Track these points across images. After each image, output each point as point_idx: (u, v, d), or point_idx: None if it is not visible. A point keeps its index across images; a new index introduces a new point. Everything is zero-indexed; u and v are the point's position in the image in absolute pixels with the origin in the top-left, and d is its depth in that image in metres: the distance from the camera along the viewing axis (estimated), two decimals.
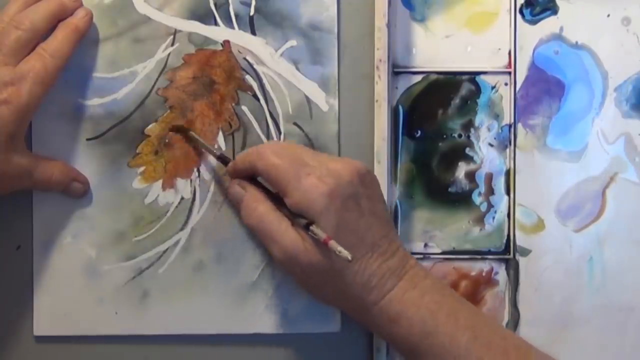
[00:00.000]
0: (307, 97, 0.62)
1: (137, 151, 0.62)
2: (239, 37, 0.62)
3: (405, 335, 0.55)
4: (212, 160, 0.62)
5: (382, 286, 0.55)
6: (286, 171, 0.55)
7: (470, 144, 0.63)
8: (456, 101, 0.63)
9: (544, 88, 0.63)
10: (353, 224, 0.55)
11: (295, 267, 0.55)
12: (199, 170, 0.62)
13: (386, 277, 0.55)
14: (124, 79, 0.62)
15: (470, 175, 0.63)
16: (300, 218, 0.54)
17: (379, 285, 0.55)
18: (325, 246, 0.52)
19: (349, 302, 0.56)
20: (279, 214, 0.56)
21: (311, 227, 0.53)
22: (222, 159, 0.60)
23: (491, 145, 0.63)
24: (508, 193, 0.63)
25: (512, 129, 0.63)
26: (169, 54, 0.62)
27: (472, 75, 0.63)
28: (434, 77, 0.63)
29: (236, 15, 0.62)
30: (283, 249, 0.55)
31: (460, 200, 0.63)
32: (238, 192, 0.58)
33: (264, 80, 0.62)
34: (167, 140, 0.62)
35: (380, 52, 0.61)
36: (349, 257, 0.51)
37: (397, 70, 0.63)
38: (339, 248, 0.51)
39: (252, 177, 0.58)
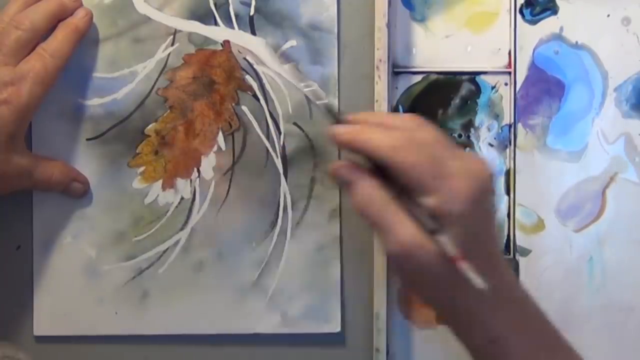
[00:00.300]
0: (307, 97, 0.62)
1: (137, 151, 0.62)
2: (239, 37, 0.62)
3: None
4: (212, 160, 0.62)
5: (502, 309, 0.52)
6: (426, 171, 0.49)
7: (470, 144, 0.63)
8: (456, 101, 0.63)
9: (544, 88, 0.63)
10: (486, 235, 0.51)
11: (410, 262, 0.50)
12: (199, 170, 0.62)
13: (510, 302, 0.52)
14: (124, 79, 0.62)
15: None
16: (431, 220, 0.49)
17: (498, 307, 0.52)
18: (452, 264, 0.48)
19: (459, 314, 0.52)
20: (397, 205, 0.50)
21: (441, 239, 0.49)
22: (333, 114, 0.54)
23: (491, 145, 0.63)
24: (508, 193, 0.63)
25: (512, 129, 0.63)
26: (169, 54, 0.62)
27: (472, 75, 0.63)
28: (434, 77, 0.63)
29: (236, 15, 0.62)
30: (400, 242, 0.49)
31: None
32: (351, 174, 0.52)
33: (264, 80, 0.62)
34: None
35: (380, 52, 0.61)
36: (482, 286, 0.47)
37: (397, 70, 0.63)
38: (470, 274, 0.47)
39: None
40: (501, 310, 0.52)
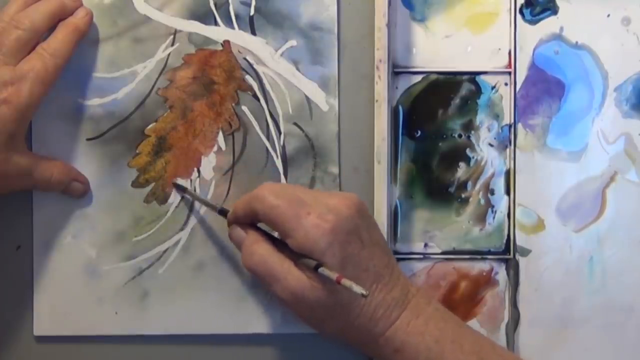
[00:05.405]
0: (307, 97, 0.62)
1: (137, 151, 0.62)
2: (239, 37, 0.62)
3: None
4: (212, 160, 0.62)
5: (387, 317, 0.55)
6: (286, 212, 0.54)
7: (470, 144, 0.63)
8: (456, 101, 0.63)
9: (544, 88, 0.63)
10: (357, 257, 0.54)
11: (301, 304, 0.54)
12: (199, 170, 0.62)
13: (391, 308, 0.55)
14: (124, 79, 0.62)
15: (471, 175, 0.63)
16: (306, 259, 0.53)
17: (384, 316, 0.55)
18: (337, 285, 0.52)
19: (355, 334, 0.56)
20: (280, 255, 0.55)
21: (320, 270, 0.52)
22: (223, 213, 0.59)
23: (491, 145, 0.63)
24: (508, 193, 0.63)
25: (512, 129, 0.63)
26: (169, 54, 0.62)
27: (472, 75, 0.63)
28: (434, 77, 0.63)
29: (236, 15, 0.62)
30: (288, 288, 0.54)
31: (460, 200, 0.63)
32: (239, 235, 0.57)
33: (264, 80, 0.62)
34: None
35: (380, 52, 0.61)
36: (365, 292, 0.50)
37: (397, 70, 0.63)
38: (353, 285, 0.51)
39: (252, 223, 0.58)
40: (397, 319, 0.55)
